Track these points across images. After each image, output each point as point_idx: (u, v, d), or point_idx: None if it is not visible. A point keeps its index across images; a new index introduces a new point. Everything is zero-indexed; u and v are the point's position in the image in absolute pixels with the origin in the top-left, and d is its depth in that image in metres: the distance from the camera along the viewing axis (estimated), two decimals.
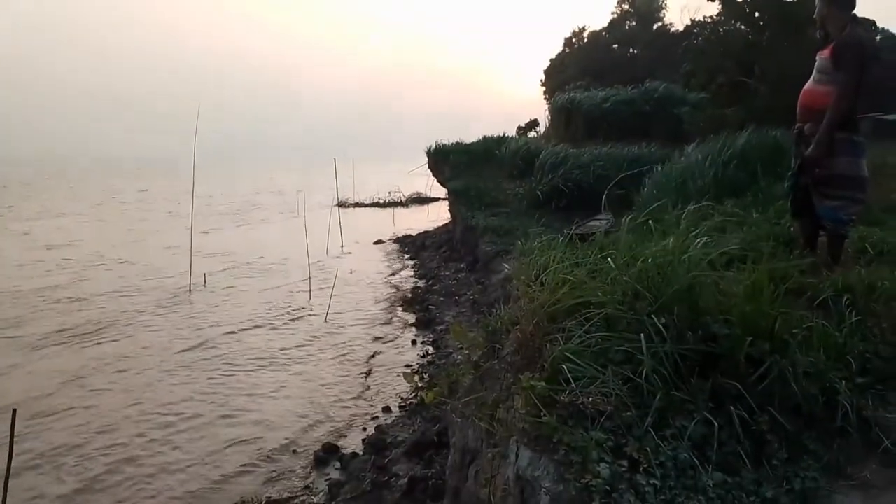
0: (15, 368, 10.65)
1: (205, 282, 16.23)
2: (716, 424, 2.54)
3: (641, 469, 2.38)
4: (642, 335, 2.78)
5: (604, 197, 4.94)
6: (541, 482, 2.44)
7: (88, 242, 21.94)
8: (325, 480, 7.34)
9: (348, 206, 29.37)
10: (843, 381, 2.78)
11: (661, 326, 2.81)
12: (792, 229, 4.94)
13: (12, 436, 6.11)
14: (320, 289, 15.10)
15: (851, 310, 3.27)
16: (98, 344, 11.88)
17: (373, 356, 11.43)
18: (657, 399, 2.60)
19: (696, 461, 2.45)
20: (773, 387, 2.69)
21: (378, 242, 22.51)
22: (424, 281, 16.62)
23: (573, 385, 2.70)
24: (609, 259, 3.39)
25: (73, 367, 10.63)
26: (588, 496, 2.29)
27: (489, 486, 3.02)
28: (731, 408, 2.59)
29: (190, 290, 15.41)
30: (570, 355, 2.83)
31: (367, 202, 32.40)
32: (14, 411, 6.19)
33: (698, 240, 3.23)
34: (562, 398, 2.66)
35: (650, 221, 4.10)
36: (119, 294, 15.33)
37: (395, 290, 16.14)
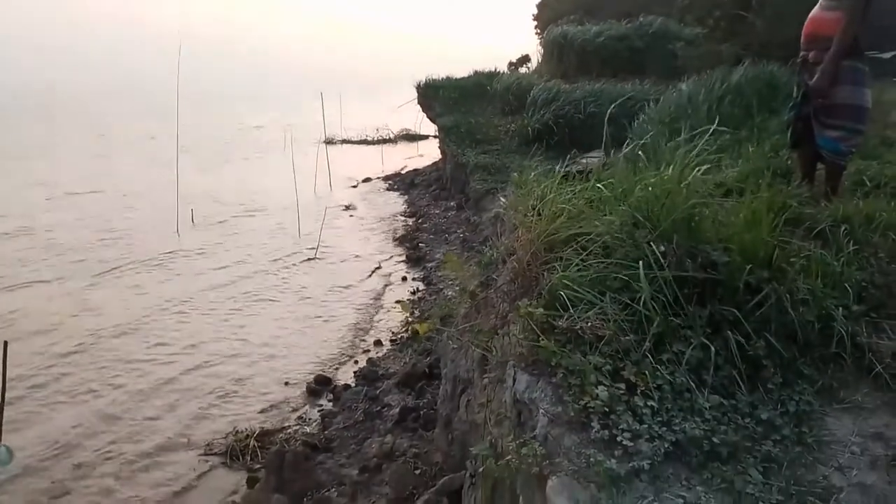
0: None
1: (192, 220, 16.03)
2: (713, 349, 2.56)
3: (639, 392, 2.41)
4: (641, 262, 2.77)
5: (605, 131, 4.84)
6: (539, 404, 2.46)
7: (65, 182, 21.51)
8: (318, 411, 7.48)
9: (336, 143, 28.86)
10: (839, 309, 2.80)
11: (659, 254, 2.79)
12: (790, 161, 4.90)
13: (4, 368, 6.13)
14: (309, 228, 14.98)
15: (849, 240, 3.27)
16: (92, 286, 11.80)
17: (363, 293, 11.48)
18: (655, 325, 2.60)
19: (693, 384, 2.48)
20: (770, 313, 2.71)
21: (367, 180, 22.29)
22: (414, 219, 16.56)
23: (571, 311, 2.69)
24: (607, 188, 3.35)
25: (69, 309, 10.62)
26: (586, 417, 2.31)
27: (485, 409, 3.05)
28: (729, 333, 2.61)
29: (178, 232, 15.21)
30: (568, 282, 2.82)
31: (354, 139, 31.84)
32: (5, 343, 6.18)
33: (698, 168, 3.18)
34: (560, 324, 2.66)
35: (643, 154, 4.04)
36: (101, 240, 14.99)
37: (384, 228, 16.08)
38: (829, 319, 2.77)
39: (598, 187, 3.40)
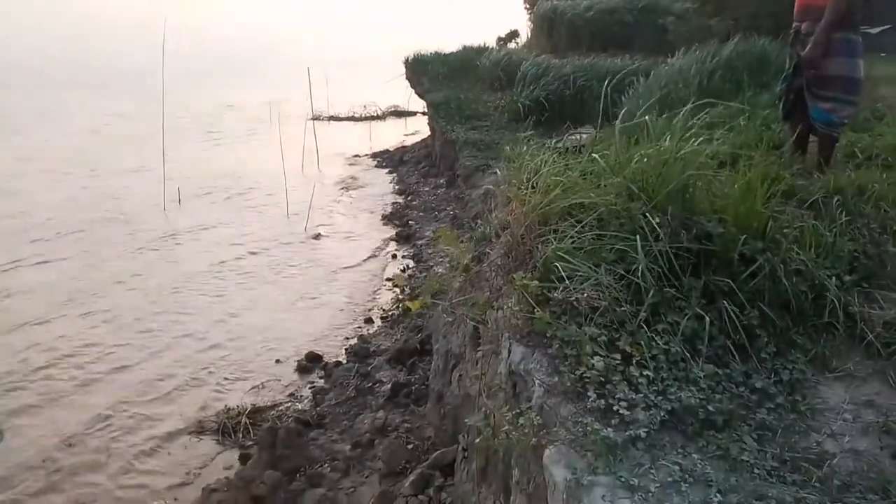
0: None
1: (179, 199, 15.84)
2: (707, 319, 2.57)
3: (634, 362, 2.41)
4: (637, 234, 2.76)
5: (601, 105, 4.80)
6: (534, 375, 2.46)
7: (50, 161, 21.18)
8: (310, 388, 7.48)
9: (323, 120, 28.56)
10: (832, 279, 2.82)
11: (655, 226, 2.79)
12: (782, 134, 4.90)
13: None
14: (297, 206, 14.87)
15: (841, 211, 3.28)
16: (83, 266, 11.67)
17: (352, 270, 11.44)
18: (650, 295, 2.60)
19: (688, 354, 2.49)
20: (764, 284, 2.72)
21: (355, 157, 22.13)
22: (403, 196, 16.49)
23: (566, 283, 2.69)
24: (602, 160, 3.33)
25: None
26: (582, 387, 2.32)
27: (479, 382, 3.06)
28: (723, 303, 2.61)
29: (165, 210, 15.04)
30: (562, 255, 2.81)
31: (342, 116, 31.54)
32: None
33: (693, 140, 3.16)
34: (555, 295, 2.66)
35: (635, 129, 4.01)
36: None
37: (373, 205, 16.00)
38: (822, 289, 2.79)
39: (595, 158, 3.38)
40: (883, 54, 15.71)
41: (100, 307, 9.59)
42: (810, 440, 2.24)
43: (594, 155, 3.46)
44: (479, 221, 4.81)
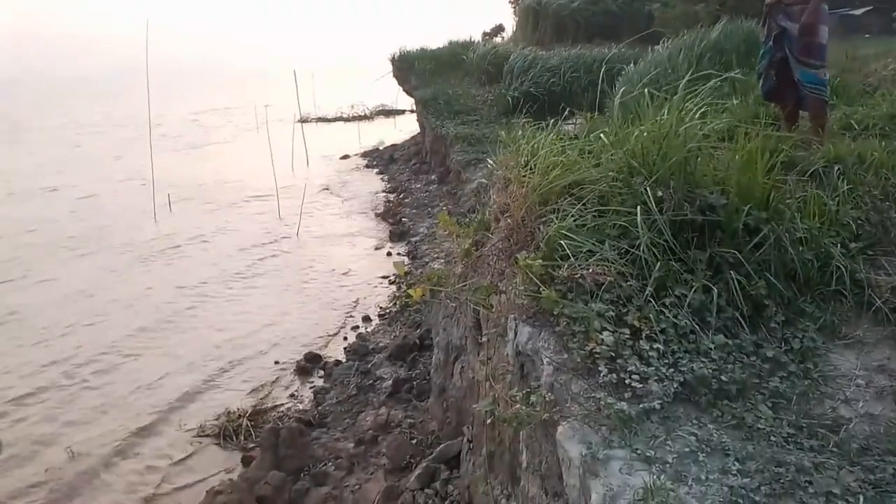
0: None
1: (169, 206, 15.70)
2: (714, 291, 2.54)
3: (644, 336, 2.38)
4: (638, 208, 2.72)
5: (600, 85, 4.79)
6: (542, 354, 2.42)
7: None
8: (310, 388, 7.42)
9: (310, 122, 28.44)
10: (838, 247, 2.79)
11: (657, 199, 2.75)
12: (776, 109, 4.89)
13: None
14: (288, 209, 14.77)
15: (843, 179, 3.26)
16: (70, 273, 11.56)
17: (347, 270, 11.37)
18: (656, 269, 2.57)
19: (697, 327, 2.45)
20: (770, 254, 2.69)
21: (344, 158, 22.04)
22: (395, 194, 16.42)
23: (571, 260, 2.65)
24: (602, 136, 3.29)
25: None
26: (593, 363, 2.28)
27: (485, 367, 3.02)
28: (729, 274, 2.58)
29: (156, 219, 14.91)
30: (565, 232, 2.77)
31: (330, 117, 31.42)
32: None
33: (693, 112, 3.13)
34: (560, 273, 2.62)
35: (632, 107, 3.98)
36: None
37: (365, 204, 15.93)
38: (828, 257, 2.76)
39: (594, 137, 3.35)
40: (868, 35, 15.80)
41: (95, 314, 9.51)
42: (825, 406, 2.21)
43: (594, 133, 3.42)
44: (474, 213, 4.77)
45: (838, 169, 3.35)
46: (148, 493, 5.76)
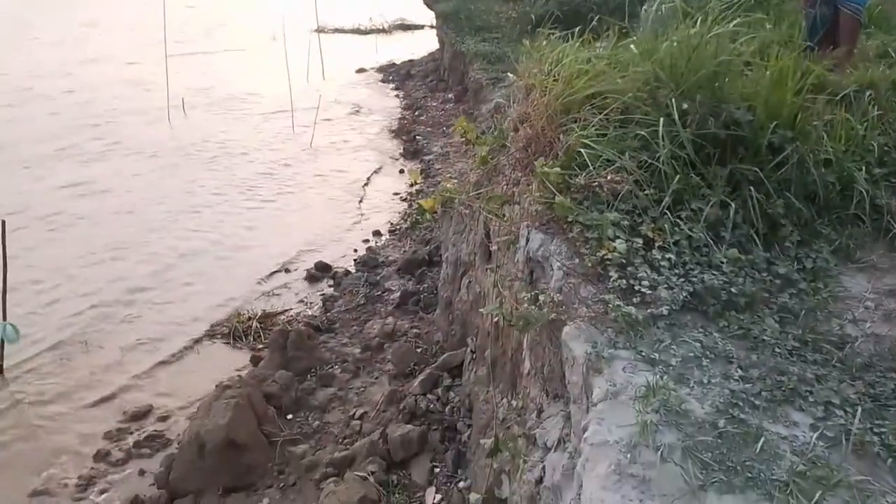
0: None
1: (184, 110, 15.50)
2: (732, 207, 2.52)
3: (657, 246, 2.38)
4: (661, 119, 2.67)
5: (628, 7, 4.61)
6: (553, 260, 2.43)
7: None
8: (319, 295, 7.55)
9: (327, 32, 27.59)
10: (861, 171, 2.74)
11: (681, 112, 2.69)
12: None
13: (4, 247, 6.11)
14: (303, 119, 14.56)
15: (873, 105, 3.17)
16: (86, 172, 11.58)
17: (360, 184, 11.33)
18: (674, 182, 2.54)
19: (711, 241, 2.45)
20: (791, 173, 2.65)
21: (360, 71, 21.50)
22: (410, 111, 16.10)
23: (589, 169, 2.62)
24: (632, 46, 3.19)
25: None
26: (603, 269, 2.29)
27: (494, 274, 3.04)
28: (749, 190, 2.55)
29: (170, 123, 14.75)
30: (586, 142, 2.73)
31: (346, 28, 30.43)
32: (3, 222, 6.12)
33: (726, 26, 3.01)
34: (577, 181, 2.59)
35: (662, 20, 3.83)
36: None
37: (380, 120, 15.67)
38: (850, 181, 2.72)
39: (622, 47, 3.24)
40: None
41: (104, 214, 9.61)
42: (832, 324, 2.23)
43: (620, 45, 3.31)
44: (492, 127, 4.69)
45: (870, 94, 3.24)
46: (155, 388, 6.00)
